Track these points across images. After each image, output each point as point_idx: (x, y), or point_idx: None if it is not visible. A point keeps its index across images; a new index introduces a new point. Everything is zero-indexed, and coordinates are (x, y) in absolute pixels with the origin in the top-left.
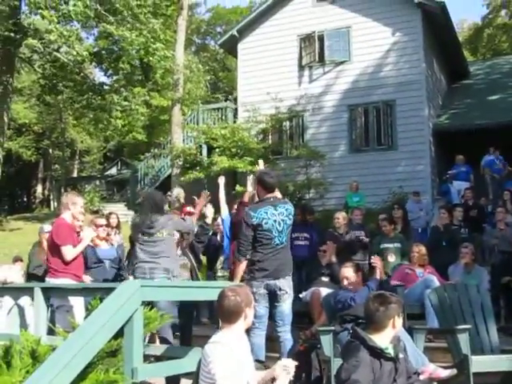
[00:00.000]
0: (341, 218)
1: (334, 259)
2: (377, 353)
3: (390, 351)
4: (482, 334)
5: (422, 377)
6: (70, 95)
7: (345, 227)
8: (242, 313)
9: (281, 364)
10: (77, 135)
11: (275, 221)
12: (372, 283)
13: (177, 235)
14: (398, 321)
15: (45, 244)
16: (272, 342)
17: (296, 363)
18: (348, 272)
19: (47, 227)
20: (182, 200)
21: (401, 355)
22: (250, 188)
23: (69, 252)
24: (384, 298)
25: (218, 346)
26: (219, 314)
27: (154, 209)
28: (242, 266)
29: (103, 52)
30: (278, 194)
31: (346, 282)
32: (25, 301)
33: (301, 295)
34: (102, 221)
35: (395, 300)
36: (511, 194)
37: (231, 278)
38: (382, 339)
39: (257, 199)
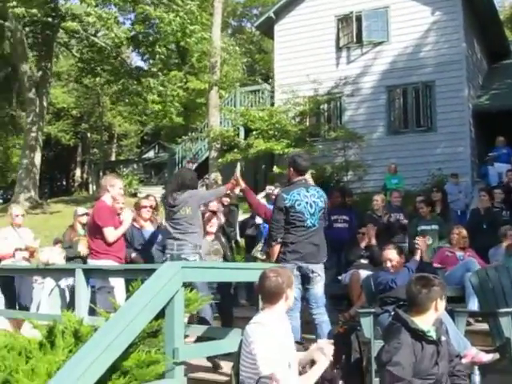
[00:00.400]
0: (379, 200)
1: (373, 242)
2: (418, 335)
3: (432, 334)
4: None
5: (463, 360)
6: (108, 78)
7: (383, 209)
8: (282, 294)
9: (318, 346)
10: (114, 119)
11: (307, 203)
12: (412, 265)
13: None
14: (441, 304)
15: (78, 226)
16: (308, 324)
17: (332, 345)
18: (391, 254)
19: (81, 210)
20: (220, 182)
21: (443, 338)
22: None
23: (111, 233)
24: (427, 281)
25: (260, 326)
26: (260, 294)
27: (178, 187)
28: (276, 249)
29: (140, 36)
30: (308, 177)
31: (389, 264)
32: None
33: (340, 277)
34: (147, 202)
35: (438, 282)
36: None
37: (267, 260)
38: (424, 322)
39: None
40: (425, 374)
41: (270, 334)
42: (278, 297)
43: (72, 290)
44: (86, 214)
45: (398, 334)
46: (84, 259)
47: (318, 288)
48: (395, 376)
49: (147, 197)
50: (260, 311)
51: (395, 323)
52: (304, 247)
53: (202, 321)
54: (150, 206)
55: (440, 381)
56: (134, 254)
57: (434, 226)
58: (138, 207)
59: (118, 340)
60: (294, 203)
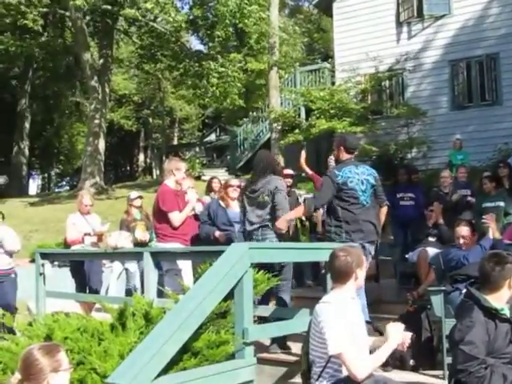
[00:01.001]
0: (447, 176)
1: (440, 220)
2: (492, 313)
3: (506, 312)
4: None
5: None
6: (168, 63)
7: (450, 186)
8: (352, 273)
9: (389, 329)
10: (175, 103)
11: (358, 179)
12: (486, 243)
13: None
14: None
15: (133, 211)
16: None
17: (403, 326)
18: (464, 231)
19: (134, 194)
20: (282, 163)
21: None
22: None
23: (176, 217)
24: (500, 258)
25: (329, 305)
26: (330, 274)
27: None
28: (302, 212)
29: (198, 20)
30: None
31: (461, 241)
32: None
33: (407, 256)
34: (235, 181)
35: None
36: None
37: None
38: (498, 300)
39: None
40: (499, 353)
41: (340, 313)
42: (348, 276)
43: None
44: (140, 197)
45: (470, 312)
46: (143, 245)
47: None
48: (468, 355)
49: (212, 179)
50: (330, 291)
51: (467, 301)
52: (365, 226)
53: (279, 301)
54: (238, 186)
55: None
56: (217, 233)
57: (499, 203)
58: (225, 186)
59: (189, 321)
60: (346, 180)
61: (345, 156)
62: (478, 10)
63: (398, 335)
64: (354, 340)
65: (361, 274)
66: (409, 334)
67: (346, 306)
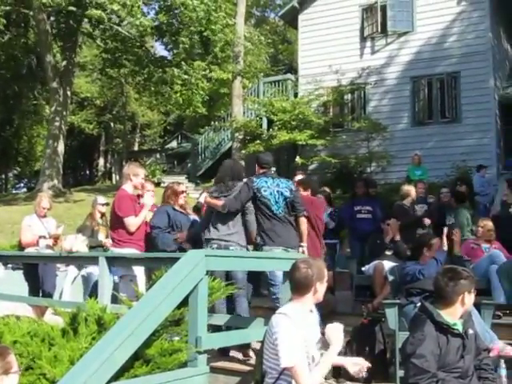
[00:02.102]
0: (413, 190)
1: (397, 237)
2: (444, 328)
3: (459, 327)
4: None
5: (490, 354)
6: (132, 68)
7: (412, 200)
8: (312, 286)
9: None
10: (138, 109)
11: (272, 190)
12: (440, 257)
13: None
14: (469, 297)
15: (97, 215)
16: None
17: (342, 326)
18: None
19: (101, 199)
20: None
21: (471, 331)
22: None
23: (131, 222)
24: (455, 273)
25: (285, 317)
26: (290, 285)
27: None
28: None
29: (164, 25)
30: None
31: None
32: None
33: (363, 268)
34: (183, 187)
35: (466, 275)
36: None
37: None
38: (451, 315)
39: None
40: (450, 368)
41: (295, 325)
42: (307, 289)
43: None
44: (107, 204)
45: (422, 325)
46: (105, 248)
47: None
48: (419, 368)
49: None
50: (288, 302)
51: (421, 315)
52: (279, 233)
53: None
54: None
55: (466, 374)
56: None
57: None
58: (176, 193)
59: (141, 328)
60: (260, 188)
61: (259, 171)
62: (441, 28)
63: (339, 336)
64: (306, 354)
65: (321, 287)
66: (365, 363)
67: (302, 319)
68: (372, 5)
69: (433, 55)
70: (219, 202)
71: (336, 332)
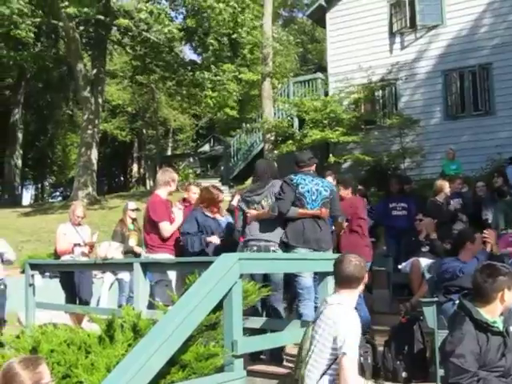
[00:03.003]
0: (446, 185)
1: (433, 235)
2: (483, 326)
3: (499, 325)
4: None
5: None
6: (162, 74)
7: (445, 196)
8: (363, 278)
9: None
10: (169, 114)
11: (311, 188)
12: (482, 255)
13: None
14: (509, 294)
15: (128, 221)
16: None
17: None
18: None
19: (132, 205)
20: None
21: (511, 329)
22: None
23: (166, 228)
24: (493, 270)
25: (343, 307)
26: (340, 278)
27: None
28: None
29: (192, 29)
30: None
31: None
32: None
33: (400, 266)
34: (221, 196)
35: (505, 272)
36: None
37: None
38: (490, 312)
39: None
40: (491, 366)
41: (355, 315)
42: (358, 281)
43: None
44: (137, 210)
45: (461, 324)
46: (136, 254)
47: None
48: (459, 368)
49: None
50: (335, 293)
51: (460, 312)
52: (308, 233)
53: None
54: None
55: (508, 373)
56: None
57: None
58: (214, 201)
59: (177, 333)
60: (298, 184)
61: (297, 169)
62: (471, 20)
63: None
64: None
65: (366, 278)
66: None
67: (354, 310)
68: (400, 0)
69: (464, 48)
70: (262, 211)
71: None
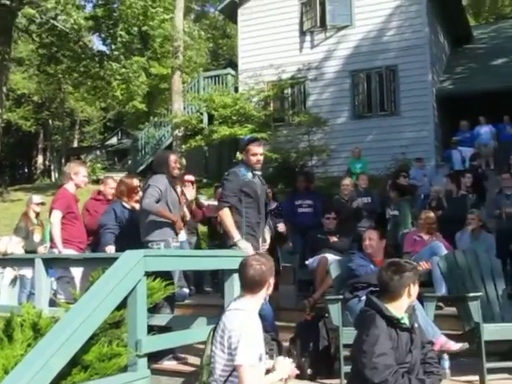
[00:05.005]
0: (349, 183)
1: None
2: (393, 323)
3: (406, 321)
4: (492, 301)
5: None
6: (69, 64)
7: (351, 194)
8: (266, 282)
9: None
10: (77, 105)
11: None
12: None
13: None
14: (414, 289)
15: (32, 215)
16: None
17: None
18: (372, 234)
19: (37, 198)
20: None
21: (416, 325)
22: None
23: (56, 215)
24: (398, 266)
25: (242, 313)
26: (242, 282)
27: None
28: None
29: (101, 19)
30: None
31: (367, 242)
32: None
33: (307, 262)
34: (136, 182)
35: (410, 268)
36: None
37: None
38: (398, 309)
39: None
40: (399, 362)
41: (253, 322)
42: (262, 285)
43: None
44: (42, 204)
45: (373, 321)
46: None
47: None
48: (383, 365)
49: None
50: (239, 298)
51: (368, 310)
52: None
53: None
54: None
55: (413, 369)
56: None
57: (394, 212)
58: (131, 189)
59: (78, 332)
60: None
61: None
62: (379, 22)
63: (285, 370)
64: (261, 351)
65: (272, 281)
66: (295, 370)
67: (256, 315)
68: None
69: (371, 49)
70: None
71: (285, 365)
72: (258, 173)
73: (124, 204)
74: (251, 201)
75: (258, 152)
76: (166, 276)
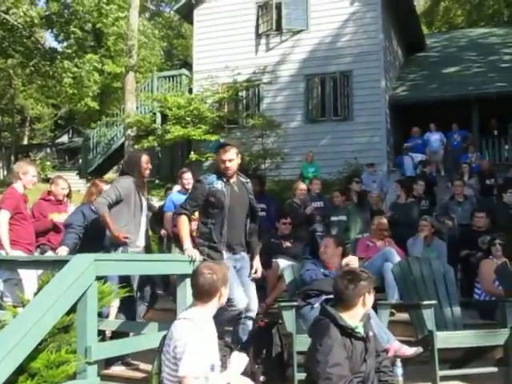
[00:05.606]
0: (305, 188)
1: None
2: (348, 332)
3: (360, 330)
4: (445, 309)
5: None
6: (21, 60)
7: (305, 198)
8: (217, 292)
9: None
10: (27, 102)
11: None
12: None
13: None
14: (369, 298)
15: None
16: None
17: (247, 359)
18: (329, 242)
19: None
20: None
21: (370, 333)
22: None
23: (4, 215)
24: (353, 276)
25: (189, 323)
26: (193, 290)
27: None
28: None
29: (53, 16)
30: None
31: (322, 249)
32: None
33: None
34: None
35: (365, 277)
36: (469, 167)
37: None
38: (352, 318)
39: None
40: (354, 372)
41: (200, 332)
42: (213, 295)
43: None
44: None
45: (328, 331)
46: None
47: None
48: (337, 375)
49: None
50: (190, 307)
51: (323, 319)
52: None
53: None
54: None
55: (368, 378)
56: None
57: (342, 217)
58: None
59: (27, 339)
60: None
61: None
62: (334, 28)
63: (240, 366)
64: (208, 361)
65: (225, 291)
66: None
67: (205, 325)
68: (267, 2)
69: (326, 54)
70: None
71: (240, 362)
72: (243, 179)
73: (92, 207)
74: (217, 211)
75: (225, 158)
76: (125, 281)
